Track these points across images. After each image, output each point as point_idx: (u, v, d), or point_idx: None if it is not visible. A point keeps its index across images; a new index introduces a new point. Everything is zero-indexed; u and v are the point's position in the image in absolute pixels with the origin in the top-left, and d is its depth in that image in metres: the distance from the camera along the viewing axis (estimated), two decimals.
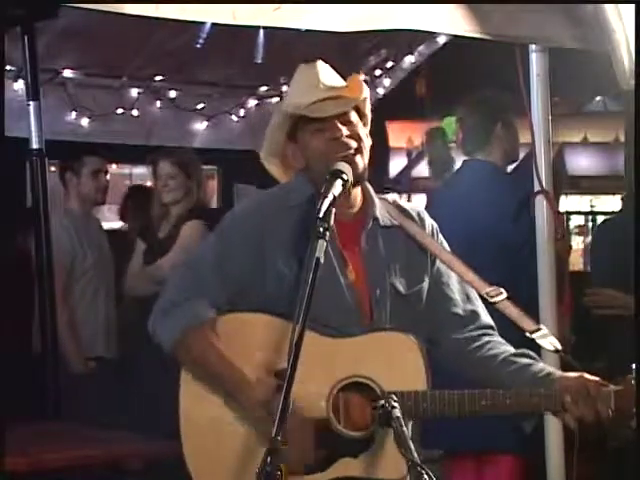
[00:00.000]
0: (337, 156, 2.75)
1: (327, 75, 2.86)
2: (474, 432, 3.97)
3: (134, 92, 6.56)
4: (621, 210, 4.76)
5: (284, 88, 6.69)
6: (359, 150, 2.80)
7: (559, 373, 2.82)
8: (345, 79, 2.90)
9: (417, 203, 4.66)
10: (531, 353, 2.88)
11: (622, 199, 5.10)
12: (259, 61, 6.12)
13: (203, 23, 5.09)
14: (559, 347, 2.90)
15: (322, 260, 2.47)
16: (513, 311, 2.87)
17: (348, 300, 2.79)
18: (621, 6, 3.43)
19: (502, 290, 2.90)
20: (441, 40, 6.70)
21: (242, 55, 6.17)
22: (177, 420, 2.77)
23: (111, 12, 2.87)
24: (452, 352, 2.91)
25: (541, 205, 3.81)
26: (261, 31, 5.63)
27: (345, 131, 2.78)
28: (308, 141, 2.82)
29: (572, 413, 2.70)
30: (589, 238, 15.25)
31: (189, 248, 5.05)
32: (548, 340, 2.88)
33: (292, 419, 2.38)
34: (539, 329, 2.88)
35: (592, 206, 16.65)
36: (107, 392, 5.23)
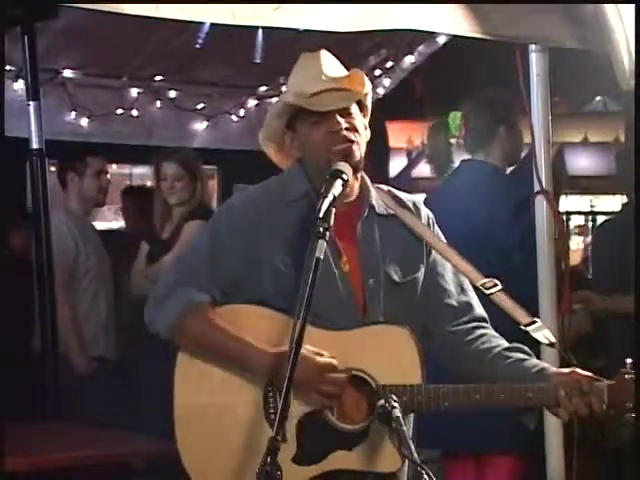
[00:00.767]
0: (335, 149, 2.76)
1: (330, 65, 2.86)
2: (473, 432, 3.97)
3: (134, 92, 6.56)
4: (621, 210, 4.76)
5: (284, 88, 6.69)
6: (357, 142, 2.80)
7: (553, 369, 2.82)
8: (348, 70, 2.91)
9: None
10: (525, 348, 2.88)
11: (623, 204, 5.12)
12: (259, 61, 6.12)
13: (203, 23, 5.09)
14: (553, 340, 2.91)
15: (322, 259, 2.48)
16: (508, 303, 2.88)
17: (342, 292, 2.79)
18: (621, 6, 3.43)
19: (497, 282, 2.90)
20: (441, 40, 6.71)
21: (242, 55, 6.17)
22: (171, 411, 2.76)
23: (111, 12, 2.87)
24: (445, 344, 2.91)
25: (541, 205, 3.81)
26: (260, 31, 5.63)
27: (344, 124, 2.78)
28: (307, 132, 2.82)
29: (566, 408, 2.71)
30: (589, 238, 15.26)
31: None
32: (542, 333, 2.88)
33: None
34: (534, 322, 2.88)
35: (592, 206, 16.64)
36: (107, 392, 5.23)
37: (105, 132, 6.50)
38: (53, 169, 5.64)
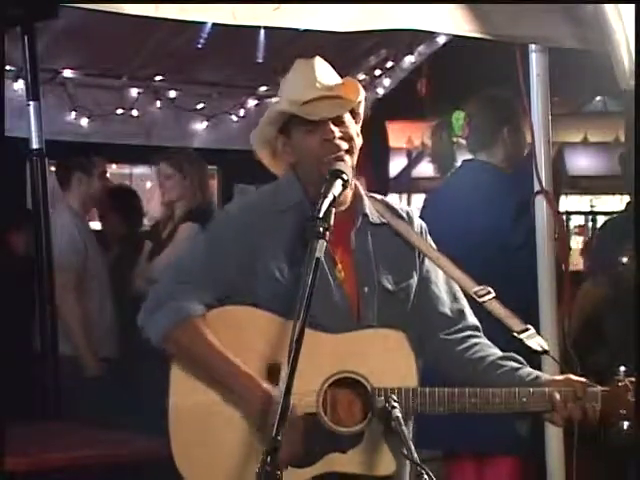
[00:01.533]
0: (328, 157, 2.76)
1: (324, 73, 2.85)
2: (474, 434, 3.97)
3: (134, 92, 6.56)
4: (625, 210, 4.76)
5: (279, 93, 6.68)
6: (349, 151, 2.80)
7: (547, 376, 2.83)
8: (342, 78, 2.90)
9: (417, 203, 4.66)
10: (518, 357, 2.87)
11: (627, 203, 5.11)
12: (259, 61, 6.12)
13: (203, 23, 5.09)
14: (546, 348, 2.91)
15: (321, 260, 2.49)
16: (501, 311, 2.88)
17: (337, 300, 2.79)
18: (621, 6, 3.43)
19: (490, 289, 2.90)
20: (441, 40, 6.70)
21: (242, 55, 6.18)
22: (166, 415, 2.76)
23: (111, 12, 2.87)
24: (438, 352, 2.90)
25: (541, 205, 3.81)
26: (261, 31, 5.63)
27: (337, 132, 2.78)
28: (300, 140, 2.82)
29: (561, 412, 2.71)
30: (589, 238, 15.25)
31: (176, 250, 5.07)
32: (535, 341, 2.88)
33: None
34: (527, 329, 2.88)
35: (592, 206, 16.65)
36: (109, 392, 5.23)
37: (105, 132, 6.50)
38: (53, 169, 5.64)
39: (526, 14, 3.48)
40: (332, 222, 2.55)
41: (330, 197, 2.60)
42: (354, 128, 2.84)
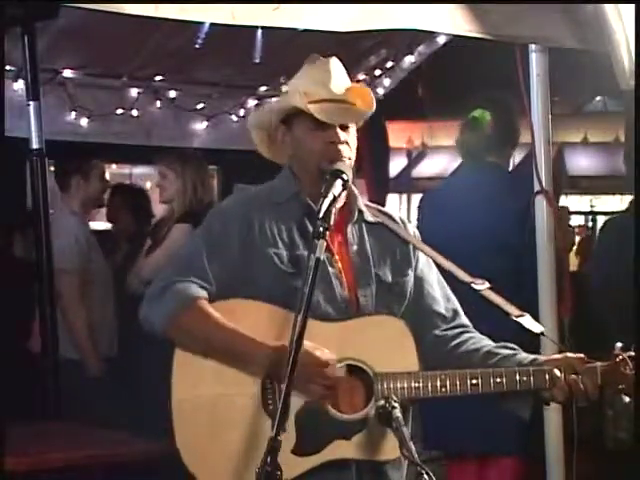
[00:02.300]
0: (330, 160, 2.77)
1: (339, 75, 2.87)
2: (476, 435, 3.98)
3: (134, 92, 6.56)
4: (627, 209, 4.74)
5: (284, 88, 6.68)
6: (350, 157, 2.82)
7: (544, 357, 2.86)
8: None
9: (417, 203, 4.65)
10: (512, 345, 2.89)
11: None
12: (258, 61, 6.12)
13: (203, 23, 5.09)
14: (543, 330, 2.94)
15: (322, 259, 2.50)
16: (498, 299, 2.90)
17: (335, 289, 2.81)
18: (621, 6, 3.43)
19: (485, 281, 2.92)
20: (441, 40, 6.70)
21: (242, 55, 6.18)
22: (169, 408, 2.75)
23: (111, 12, 2.87)
24: (434, 347, 2.91)
25: (541, 205, 3.81)
26: (260, 31, 5.63)
27: (342, 137, 2.80)
28: (303, 135, 2.83)
29: (561, 387, 2.73)
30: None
31: (171, 251, 5.07)
32: (534, 325, 2.92)
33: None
34: (524, 315, 2.90)
35: (592, 206, 16.67)
36: (108, 392, 5.23)
37: (105, 132, 6.50)
38: (53, 169, 5.64)
39: (526, 14, 3.48)
40: (332, 222, 2.56)
41: (330, 197, 2.61)
42: (354, 133, 2.87)
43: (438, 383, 2.73)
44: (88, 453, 3.95)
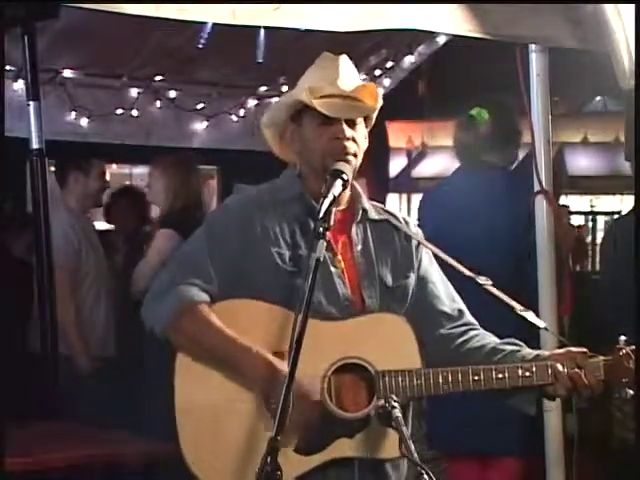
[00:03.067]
0: (334, 156, 2.77)
1: (348, 72, 2.87)
2: (477, 435, 3.97)
3: (134, 92, 6.57)
4: (634, 209, 4.74)
5: (284, 88, 6.70)
6: (355, 154, 2.82)
7: (547, 353, 2.85)
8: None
9: (417, 203, 4.64)
10: (517, 341, 2.90)
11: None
12: (259, 61, 6.12)
13: (203, 23, 5.09)
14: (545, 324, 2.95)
15: (322, 259, 2.50)
16: (501, 295, 2.90)
17: (338, 288, 2.81)
18: (621, 6, 3.43)
19: (487, 278, 2.92)
20: (441, 40, 6.71)
21: (242, 55, 6.18)
22: (172, 409, 2.76)
23: (111, 12, 2.87)
24: (441, 347, 2.91)
25: (541, 205, 3.81)
26: (261, 31, 5.63)
27: (348, 133, 2.79)
28: (310, 131, 2.83)
29: (564, 382, 2.73)
30: (589, 238, 15.28)
31: (152, 257, 5.07)
32: (537, 320, 2.92)
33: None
34: (527, 310, 2.91)
35: (592, 206, 16.69)
36: (107, 392, 5.23)
37: (105, 132, 6.50)
38: (53, 169, 5.65)
39: (526, 14, 3.49)
40: (332, 222, 2.56)
41: (330, 197, 2.61)
42: (363, 132, 2.86)
43: (440, 380, 2.73)
44: (88, 453, 3.95)
